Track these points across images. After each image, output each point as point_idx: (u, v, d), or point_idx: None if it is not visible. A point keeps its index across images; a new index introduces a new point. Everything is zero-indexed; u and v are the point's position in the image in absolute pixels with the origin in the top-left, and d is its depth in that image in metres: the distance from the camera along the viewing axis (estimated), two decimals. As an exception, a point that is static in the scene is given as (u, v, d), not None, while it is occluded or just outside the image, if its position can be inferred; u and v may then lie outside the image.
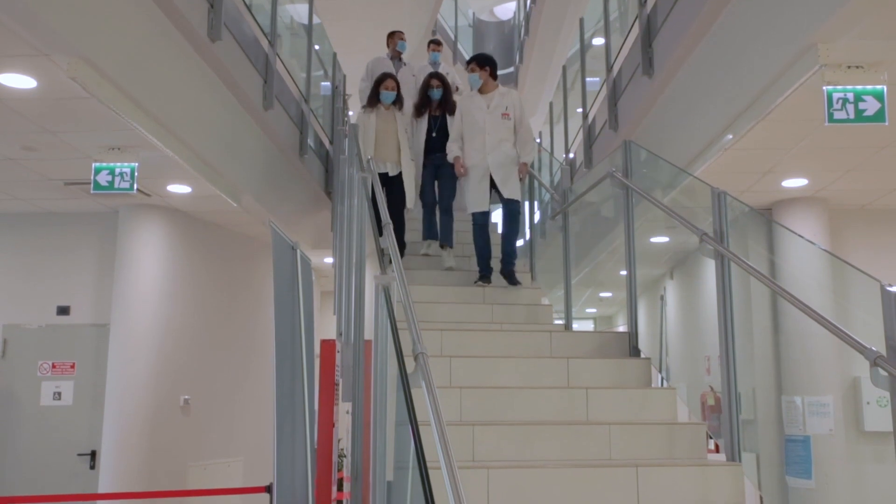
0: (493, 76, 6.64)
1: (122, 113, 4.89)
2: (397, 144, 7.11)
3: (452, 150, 6.72)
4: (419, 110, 7.40)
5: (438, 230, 7.16)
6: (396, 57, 8.60)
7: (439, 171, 7.20)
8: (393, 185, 7.06)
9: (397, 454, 2.85)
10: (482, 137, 6.49)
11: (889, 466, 3.04)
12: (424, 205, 7.25)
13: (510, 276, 6.47)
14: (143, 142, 5.47)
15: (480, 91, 6.63)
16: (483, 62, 6.63)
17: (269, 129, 7.09)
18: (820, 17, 4.08)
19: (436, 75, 7.50)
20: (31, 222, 7.77)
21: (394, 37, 8.69)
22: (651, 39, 6.31)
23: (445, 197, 7.15)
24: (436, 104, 7.39)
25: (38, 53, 4.25)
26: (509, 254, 6.49)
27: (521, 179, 6.53)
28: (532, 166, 7.24)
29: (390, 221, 3.77)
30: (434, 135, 7.26)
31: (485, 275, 6.51)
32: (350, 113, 10.82)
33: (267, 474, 4.96)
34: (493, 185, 6.53)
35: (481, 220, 6.58)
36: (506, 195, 6.46)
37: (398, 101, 7.25)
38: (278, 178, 7.83)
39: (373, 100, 7.19)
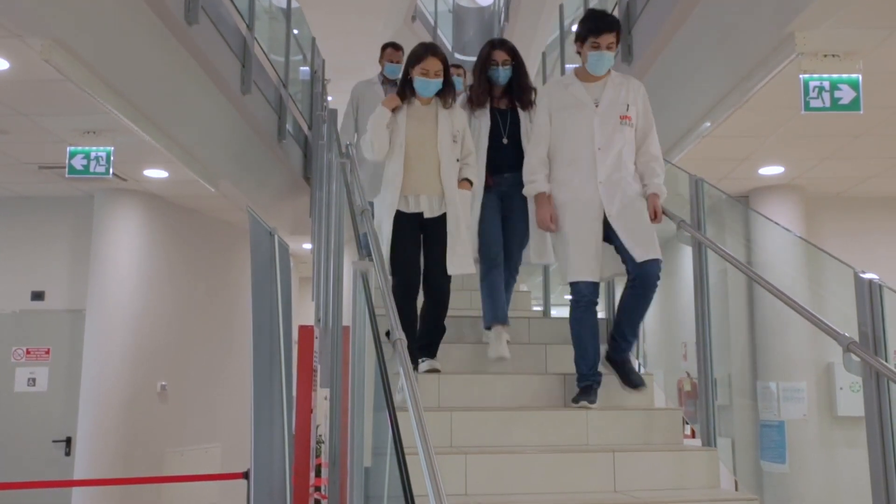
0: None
1: (97, 96, 4.84)
2: (439, 164, 4.19)
3: (535, 179, 4.03)
4: (476, 100, 4.55)
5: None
6: (388, 82, 6.28)
7: (508, 202, 4.49)
8: (431, 232, 4.18)
9: (375, 440, 2.85)
10: (590, 153, 3.91)
11: (861, 451, 3.07)
12: (487, 263, 4.39)
13: (627, 371, 4.01)
14: (118, 126, 5.41)
15: (581, 76, 4.03)
16: (614, 26, 3.93)
17: (247, 114, 7.04)
18: (797, 6, 4.10)
19: (501, 44, 4.59)
20: (5, 206, 7.67)
21: (384, 53, 6.44)
22: (630, 26, 6.31)
23: (513, 247, 4.52)
24: (501, 92, 4.58)
25: (11, 35, 4.18)
26: (628, 336, 4.01)
27: (653, 219, 3.89)
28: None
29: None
30: (505, 141, 4.48)
31: (590, 386, 3.96)
32: (329, 98, 10.76)
33: (245, 460, 4.95)
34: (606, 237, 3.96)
35: (587, 295, 3.93)
36: (640, 256, 3.83)
37: (448, 92, 4.28)
38: (256, 164, 7.77)
39: (404, 91, 4.28)
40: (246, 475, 5.42)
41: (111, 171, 5.75)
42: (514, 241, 4.51)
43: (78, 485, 6.91)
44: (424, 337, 4.21)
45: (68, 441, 7.28)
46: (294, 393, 5.28)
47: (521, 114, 4.55)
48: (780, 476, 6.53)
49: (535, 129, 4.13)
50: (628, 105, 3.97)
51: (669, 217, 4.03)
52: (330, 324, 4.14)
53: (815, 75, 4.35)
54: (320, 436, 7.70)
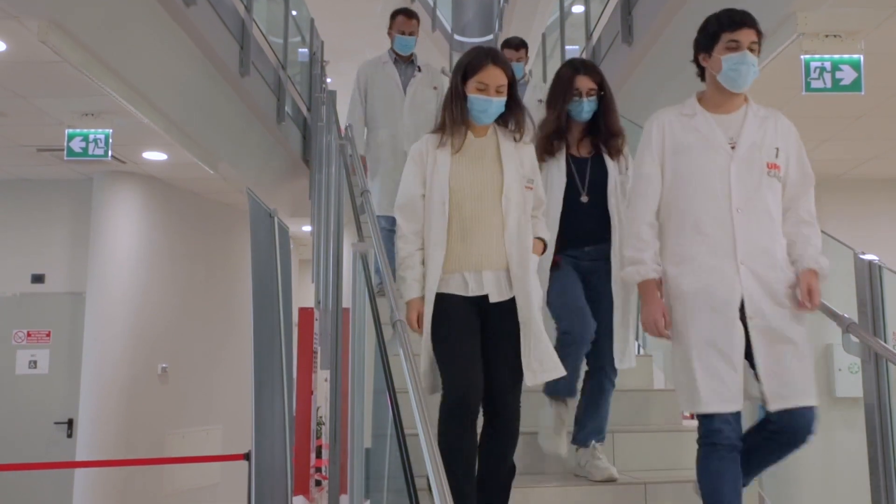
0: None
1: (95, 77, 4.82)
2: (506, 224, 2.85)
3: (642, 258, 2.76)
4: (546, 145, 3.34)
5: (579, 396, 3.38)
6: (401, 60, 5.25)
7: (594, 280, 3.31)
8: (497, 322, 2.84)
9: (375, 421, 2.86)
10: (726, 217, 2.69)
11: (859, 433, 3.10)
12: (564, 345, 3.16)
13: None
14: (117, 108, 5.39)
15: (707, 104, 2.93)
16: (754, 22, 2.86)
17: (246, 96, 7.01)
18: (799, -14, 4.07)
19: (584, 66, 3.42)
20: (4, 189, 7.66)
21: (393, 23, 5.28)
22: (631, 7, 6.27)
23: (607, 342, 3.28)
24: (581, 133, 3.41)
25: (8, 16, 4.15)
26: None
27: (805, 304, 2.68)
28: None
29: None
30: (585, 199, 3.32)
31: None
32: (328, 80, 10.72)
33: (245, 442, 4.97)
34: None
35: (729, 436, 2.75)
36: (783, 401, 2.69)
37: (517, 118, 2.94)
38: (255, 146, 7.75)
39: (454, 117, 2.88)
40: (247, 457, 5.44)
41: (110, 153, 5.74)
42: (604, 331, 3.24)
43: (80, 466, 6.95)
44: (487, 487, 2.80)
45: (70, 423, 7.31)
46: (294, 375, 5.30)
47: (609, 163, 3.34)
48: (778, 457, 6.56)
49: (640, 180, 2.83)
50: (777, 149, 2.77)
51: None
52: (330, 306, 4.15)
53: (817, 56, 4.33)
54: (321, 417, 7.74)
